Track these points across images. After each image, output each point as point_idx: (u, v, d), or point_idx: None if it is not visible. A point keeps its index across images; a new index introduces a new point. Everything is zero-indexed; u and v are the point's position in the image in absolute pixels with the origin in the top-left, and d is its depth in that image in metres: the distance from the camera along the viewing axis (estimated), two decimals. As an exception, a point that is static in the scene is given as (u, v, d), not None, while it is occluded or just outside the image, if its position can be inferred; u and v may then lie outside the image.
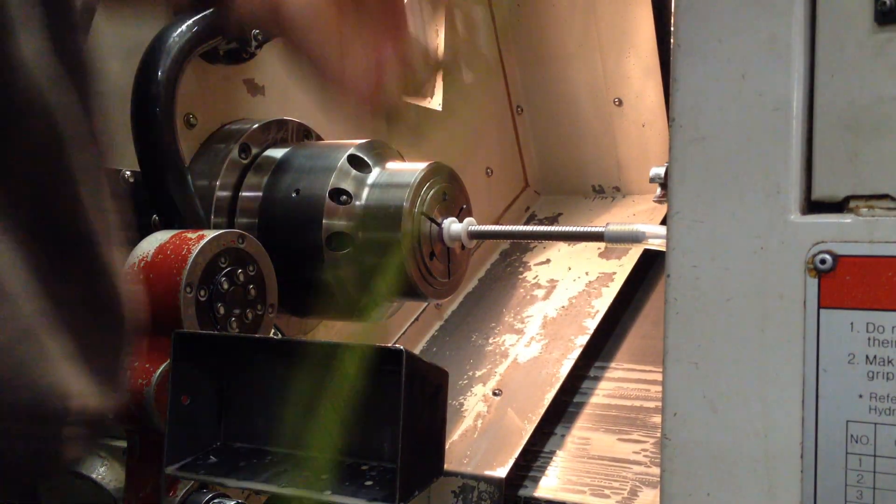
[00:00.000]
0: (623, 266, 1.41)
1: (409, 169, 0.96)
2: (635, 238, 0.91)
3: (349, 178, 0.95)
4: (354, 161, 0.96)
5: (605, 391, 1.22)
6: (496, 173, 1.57)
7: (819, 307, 0.46)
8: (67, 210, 0.42)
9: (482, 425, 1.17)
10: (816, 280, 0.46)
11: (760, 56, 0.48)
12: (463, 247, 1.00)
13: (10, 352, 0.39)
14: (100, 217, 0.43)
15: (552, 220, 1.59)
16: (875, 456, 0.44)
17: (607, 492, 1.04)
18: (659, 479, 0.50)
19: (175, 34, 0.89)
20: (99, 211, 0.43)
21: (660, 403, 0.50)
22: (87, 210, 0.43)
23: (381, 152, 0.99)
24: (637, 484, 1.05)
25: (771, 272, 0.47)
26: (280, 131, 1.05)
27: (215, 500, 0.76)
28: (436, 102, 1.34)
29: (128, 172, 0.90)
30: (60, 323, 0.41)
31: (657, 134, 1.54)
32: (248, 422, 0.76)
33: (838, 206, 0.47)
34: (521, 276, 1.46)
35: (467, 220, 0.99)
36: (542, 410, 1.16)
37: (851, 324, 0.45)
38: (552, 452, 1.13)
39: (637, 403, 1.18)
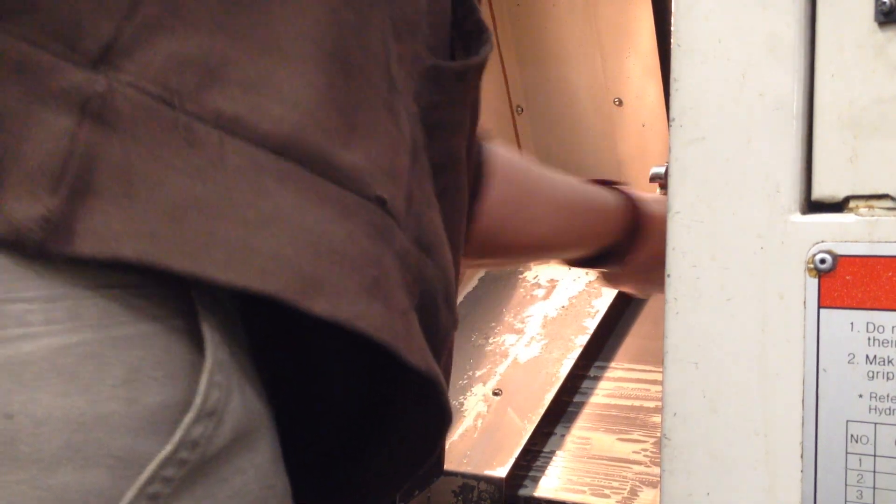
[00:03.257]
0: (623, 266, 1.41)
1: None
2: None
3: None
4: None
5: (605, 391, 1.22)
6: (496, 173, 1.57)
7: (819, 307, 0.46)
8: None
9: (482, 425, 1.17)
10: (816, 280, 0.46)
11: (760, 56, 0.48)
12: (463, 247, 1.00)
13: None
14: None
15: (552, 220, 1.59)
16: (875, 456, 0.44)
17: (607, 491, 1.04)
18: (659, 479, 0.50)
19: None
20: None
21: (660, 403, 0.50)
22: None
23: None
24: (637, 484, 1.05)
25: (771, 272, 0.47)
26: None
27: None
28: (436, 102, 1.34)
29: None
30: None
31: (657, 134, 1.54)
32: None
33: (838, 206, 0.47)
34: (521, 276, 1.46)
35: (467, 219, 0.99)
36: (542, 410, 1.16)
37: (851, 324, 0.45)
38: (552, 452, 1.13)
39: (637, 403, 1.18)
